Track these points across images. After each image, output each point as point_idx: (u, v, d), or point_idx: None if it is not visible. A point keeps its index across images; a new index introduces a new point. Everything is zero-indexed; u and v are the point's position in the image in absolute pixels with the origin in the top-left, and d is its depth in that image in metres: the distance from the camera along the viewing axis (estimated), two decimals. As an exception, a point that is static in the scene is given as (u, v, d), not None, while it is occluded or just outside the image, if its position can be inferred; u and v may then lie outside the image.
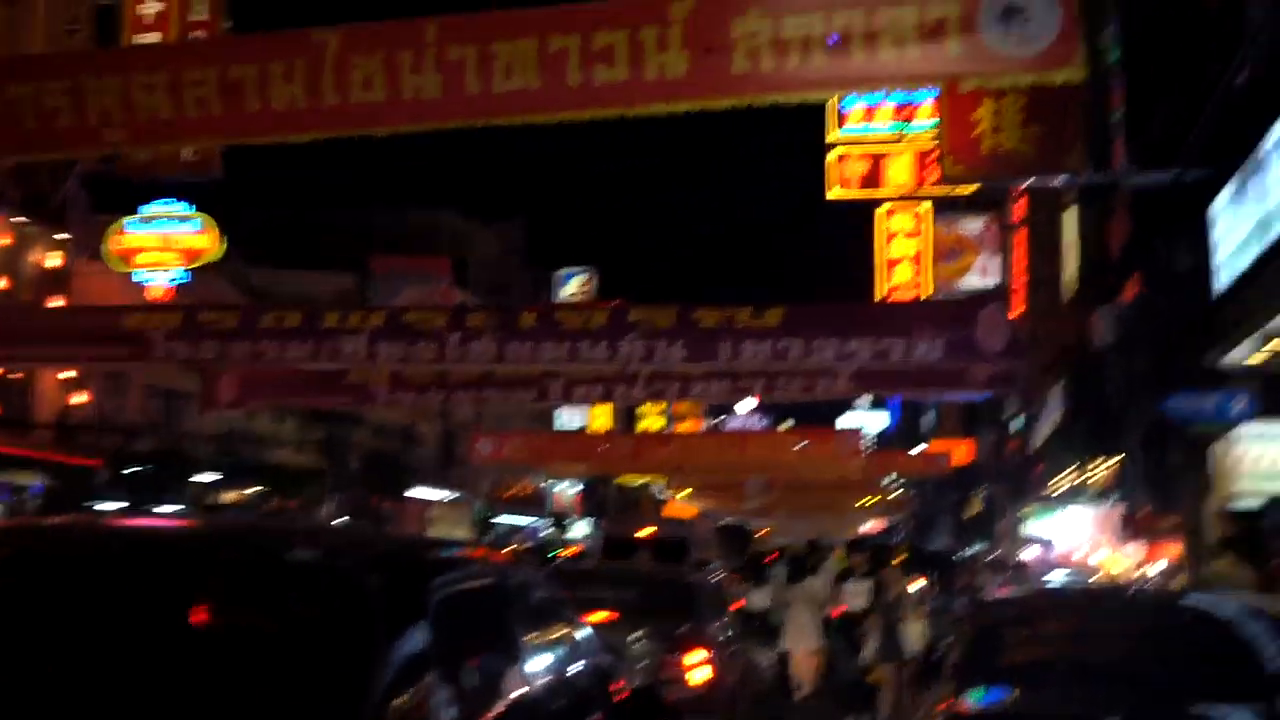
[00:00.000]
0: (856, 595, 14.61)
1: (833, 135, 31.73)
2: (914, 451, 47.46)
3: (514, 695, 4.36)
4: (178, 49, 11.23)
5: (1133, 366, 13.53)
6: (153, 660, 3.51)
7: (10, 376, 22.67)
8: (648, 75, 8.05)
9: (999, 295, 22.96)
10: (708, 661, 11.18)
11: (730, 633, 13.17)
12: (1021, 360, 16.75)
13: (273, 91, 8.58)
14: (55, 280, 22.58)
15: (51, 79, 9.10)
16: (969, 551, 29.92)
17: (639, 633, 10.84)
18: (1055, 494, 23.48)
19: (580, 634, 5.60)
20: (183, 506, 24.55)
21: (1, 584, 3.86)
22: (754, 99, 8.06)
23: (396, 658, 3.59)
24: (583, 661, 5.39)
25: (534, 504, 58.49)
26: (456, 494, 45.26)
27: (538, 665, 4.76)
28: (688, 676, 10.83)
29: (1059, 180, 11.71)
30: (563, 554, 40.26)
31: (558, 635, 5.28)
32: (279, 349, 15.63)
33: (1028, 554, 22.13)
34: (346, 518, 34.28)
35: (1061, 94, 10.68)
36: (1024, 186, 29.22)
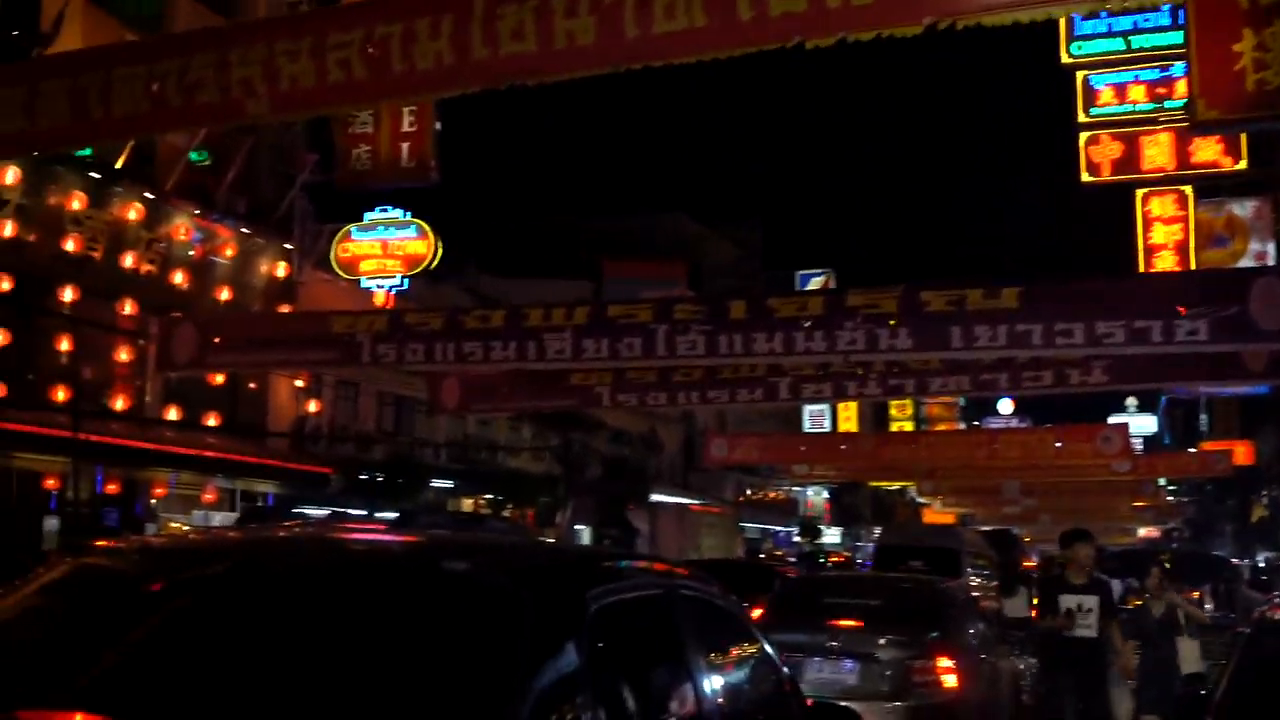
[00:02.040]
0: (1074, 618, 10.91)
1: (1082, 117, 29.57)
2: (1189, 451, 44.28)
3: (679, 715, 4.22)
4: (320, 13, 10.57)
5: None
6: (295, 671, 3.44)
7: (248, 387, 22.99)
8: (830, 3, 6.91)
9: (1277, 269, 20.36)
10: (954, 670, 11.09)
11: (982, 641, 12.83)
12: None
13: (418, 49, 7.80)
14: (283, 290, 22.79)
15: (195, 52, 8.58)
16: (1259, 559, 27.38)
17: (885, 639, 11.15)
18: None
19: (762, 649, 5.29)
20: (400, 514, 24.57)
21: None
22: (954, 20, 6.83)
23: (545, 674, 3.47)
24: (760, 680, 5.17)
25: (784, 511, 57.50)
26: (698, 499, 44.51)
27: (710, 683, 4.49)
28: (936, 682, 10.99)
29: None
30: (832, 560, 39.38)
31: (735, 651, 5.04)
32: (484, 349, 15.29)
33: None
34: (592, 529, 34.02)
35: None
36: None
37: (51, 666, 3.50)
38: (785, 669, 5.56)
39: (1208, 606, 15.56)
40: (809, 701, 5.64)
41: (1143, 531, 50.92)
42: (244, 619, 3.63)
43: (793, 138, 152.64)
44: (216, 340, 15.97)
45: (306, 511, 20.34)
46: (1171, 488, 49.07)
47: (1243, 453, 38.14)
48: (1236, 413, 45.50)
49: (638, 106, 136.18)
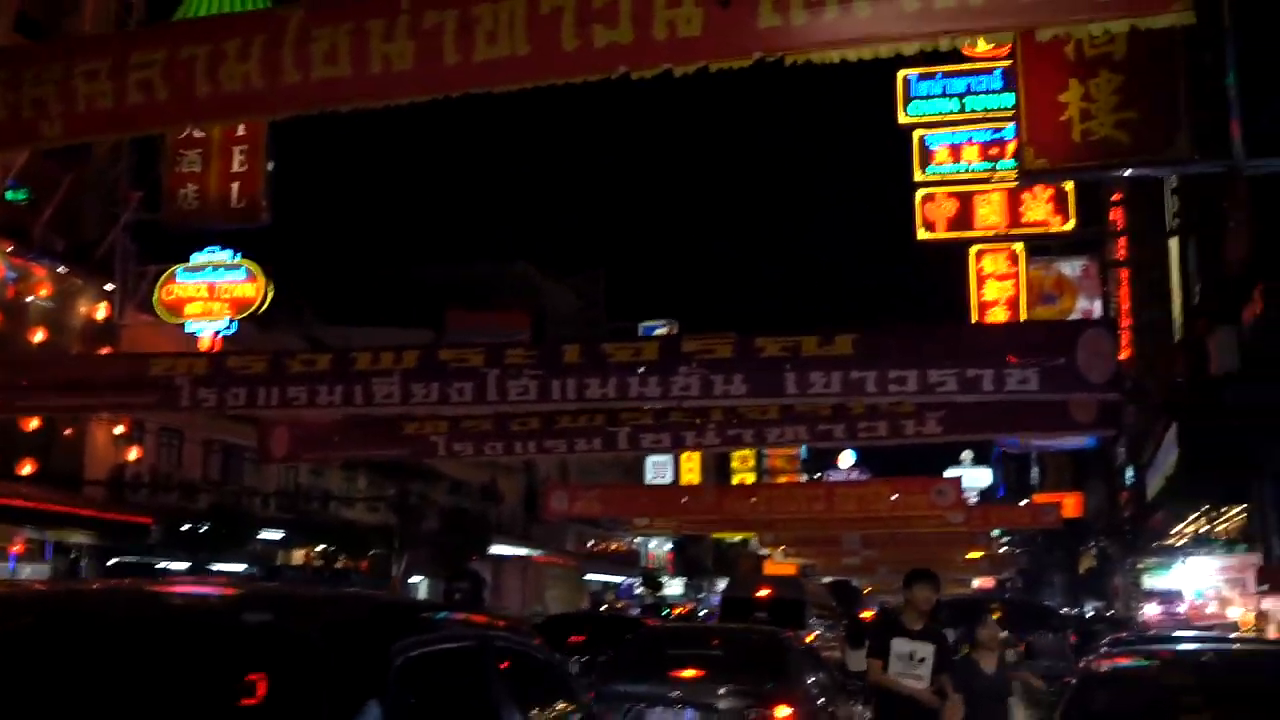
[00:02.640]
0: (907, 665, 9.27)
1: (919, 175, 30.19)
2: (1021, 504, 45.25)
3: None
4: (123, 34, 10.08)
5: (1259, 397, 11.81)
6: None
7: (64, 433, 21.93)
8: (657, 35, 6.70)
9: (1103, 322, 20.75)
10: (792, 718, 11.23)
11: (822, 690, 12.98)
12: (1127, 394, 15.08)
13: (225, 70, 7.38)
14: (103, 332, 21.82)
15: (-16, 72, 8.03)
16: (1087, 610, 27.90)
17: (725, 688, 11.25)
18: (1176, 545, 21.56)
19: (579, 703, 5.36)
20: (242, 566, 23.62)
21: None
22: (783, 55, 6.67)
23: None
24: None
25: (627, 562, 57.22)
26: (540, 551, 44.01)
27: None
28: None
29: (1163, 170, 10.06)
30: (675, 612, 39.04)
31: (550, 706, 5.01)
32: (309, 393, 14.79)
33: (1149, 610, 20.26)
34: (441, 581, 33.24)
35: (1164, 68, 9.12)
36: (1122, 185, 27.79)
37: None
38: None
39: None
40: None
41: (977, 582, 51.80)
42: (51, 670, 3.62)
43: (639, 191, 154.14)
44: (24, 383, 15.19)
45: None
46: (1005, 539, 50.09)
47: (1072, 504, 39.08)
48: (1068, 466, 46.68)
49: (480, 154, 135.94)
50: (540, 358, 13.65)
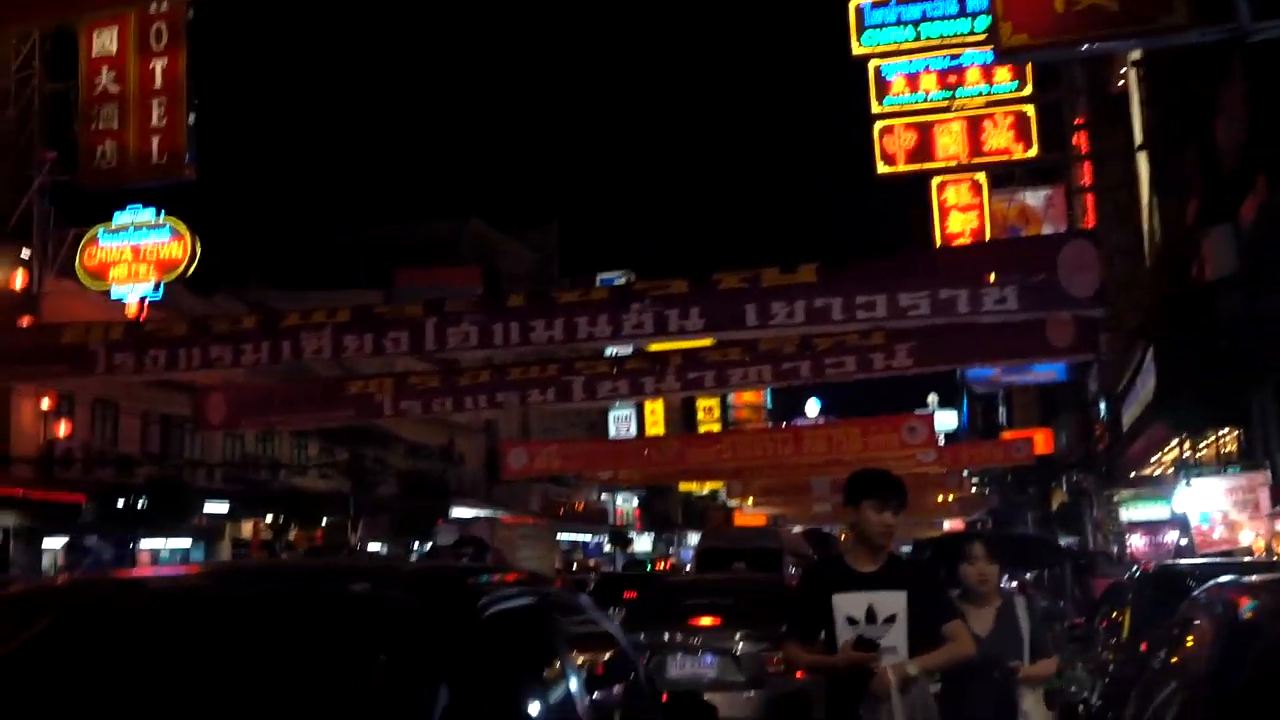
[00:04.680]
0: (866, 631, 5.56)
1: (876, 107, 29.22)
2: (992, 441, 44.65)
3: (556, 708, 4.50)
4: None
5: (1257, 305, 10.90)
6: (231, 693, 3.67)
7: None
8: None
9: (1085, 233, 19.43)
10: None
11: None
12: (1106, 312, 14.16)
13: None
14: (23, 302, 20.52)
15: None
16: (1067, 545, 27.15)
17: (740, 634, 11.64)
18: (1157, 474, 20.76)
19: (622, 651, 5.57)
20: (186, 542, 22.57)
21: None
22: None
23: (447, 674, 3.70)
24: (619, 678, 5.37)
25: (594, 520, 56.42)
26: (504, 512, 43.12)
27: (579, 680, 4.77)
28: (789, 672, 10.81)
29: (1157, 41, 9.05)
30: (658, 567, 38.22)
31: (598, 652, 5.35)
32: (233, 353, 13.82)
33: (1135, 542, 19.40)
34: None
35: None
36: (1084, 107, 26.83)
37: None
38: (642, 668, 5.93)
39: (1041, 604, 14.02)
40: (664, 697, 6.21)
41: (948, 524, 51.31)
42: (181, 644, 3.89)
43: (589, 138, 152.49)
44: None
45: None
46: (974, 479, 49.61)
47: (1042, 440, 38.43)
48: (1035, 403, 46.08)
49: (426, 109, 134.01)
50: (481, 303, 12.69)
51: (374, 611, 4.04)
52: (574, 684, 4.67)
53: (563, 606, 5.17)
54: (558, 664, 4.67)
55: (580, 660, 4.95)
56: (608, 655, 5.38)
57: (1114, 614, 9.14)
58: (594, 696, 4.88)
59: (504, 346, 12.71)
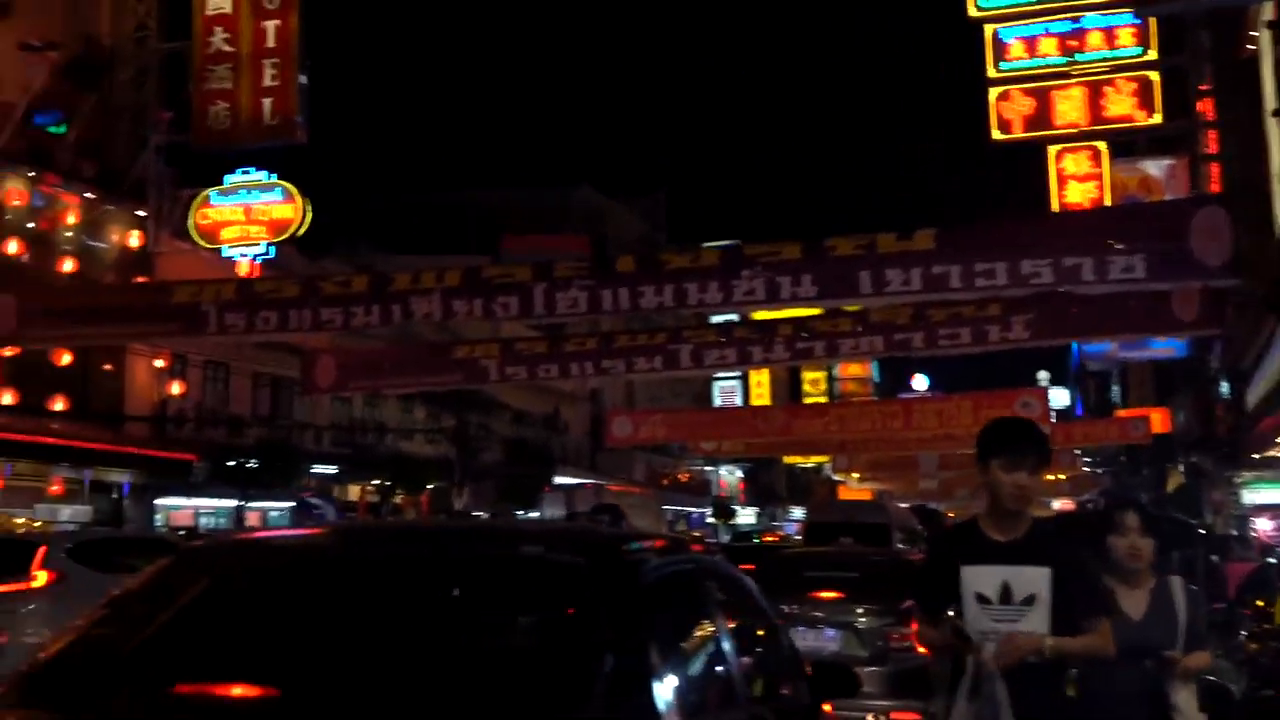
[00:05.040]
0: (999, 613, 5.01)
1: (992, 72, 28.50)
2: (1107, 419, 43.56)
3: (714, 672, 4.59)
4: None
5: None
6: (433, 647, 3.83)
7: (102, 368, 21.08)
8: None
9: (1218, 198, 18.49)
10: None
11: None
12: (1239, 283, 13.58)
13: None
14: (137, 261, 20.84)
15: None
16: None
17: (863, 608, 11.78)
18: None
19: (771, 620, 5.70)
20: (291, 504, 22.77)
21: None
22: None
23: (620, 633, 3.82)
24: (771, 644, 5.54)
25: (697, 491, 56.25)
26: (607, 480, 43.16)
27: (734, 646, 4.79)
28: (912, 648, 10.89)
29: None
30: (765, 540, 38.10)
31: (751, 620, 5.40)
32: (344, 315, 13.78)
33: (1261, 525, 18.78)
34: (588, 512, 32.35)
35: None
36: (1210, 74, 25.87)
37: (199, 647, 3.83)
38: (787, 636, 5.95)
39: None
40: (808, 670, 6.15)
41: (1057, 504, 50.38)
42: (384, 602, 4.03)
43: (700, 107, 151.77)
44: (39, 313, 14.30)
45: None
46: (1086, 459, 48.58)
47: (1159, 419, 37.40)
48: (1151, 380, 44.91)
49: (541, 77, 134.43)
50: (590, 269, 12.48)
51: (546, 574, 4.16)
52: (728, 648, 4.67)
53: (714, 573, 5.19)
54: (711, 629, 4.72)
55: (732, 626, 4.93)
56: (758, 622, 5.47)
57: (1259, 601, 8.66)
58: (745, 661, 4.89)
59: (613, 312, 12.48)
